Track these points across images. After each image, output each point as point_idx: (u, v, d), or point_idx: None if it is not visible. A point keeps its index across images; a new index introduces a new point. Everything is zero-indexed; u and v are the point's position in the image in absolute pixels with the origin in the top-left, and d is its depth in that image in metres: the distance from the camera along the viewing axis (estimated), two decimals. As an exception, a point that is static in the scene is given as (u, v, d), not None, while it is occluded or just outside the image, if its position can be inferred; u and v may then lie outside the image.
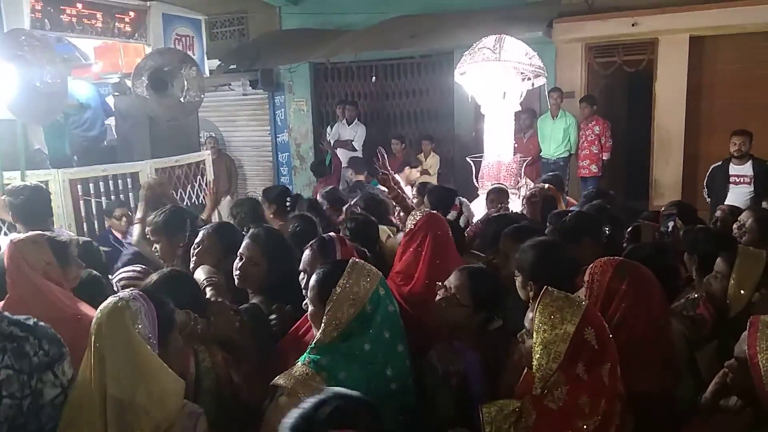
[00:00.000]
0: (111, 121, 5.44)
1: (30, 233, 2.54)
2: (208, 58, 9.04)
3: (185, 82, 4.72)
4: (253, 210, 3.79)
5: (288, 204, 4.04)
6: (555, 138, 7.98)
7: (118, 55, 5.34)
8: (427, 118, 9.44)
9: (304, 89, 9.62)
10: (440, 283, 2.31)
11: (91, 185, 4.64)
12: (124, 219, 4.38)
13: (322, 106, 9.79)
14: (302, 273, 2.41)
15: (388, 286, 1.95)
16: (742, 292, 2.35)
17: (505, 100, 5.50)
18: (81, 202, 4.45)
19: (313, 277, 1.96)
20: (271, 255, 2.57)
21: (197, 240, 2.85)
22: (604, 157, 7.83)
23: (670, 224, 3.46)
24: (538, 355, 1.69)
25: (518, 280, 2.40)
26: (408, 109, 9.57)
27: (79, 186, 4.46)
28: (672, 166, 7.93)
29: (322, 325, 1.83)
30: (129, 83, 4.75)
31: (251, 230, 2.72)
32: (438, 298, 2.27)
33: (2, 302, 2.30)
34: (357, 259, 1.98)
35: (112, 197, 4.63)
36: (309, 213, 3.59)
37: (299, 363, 1.82)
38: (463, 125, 9.08)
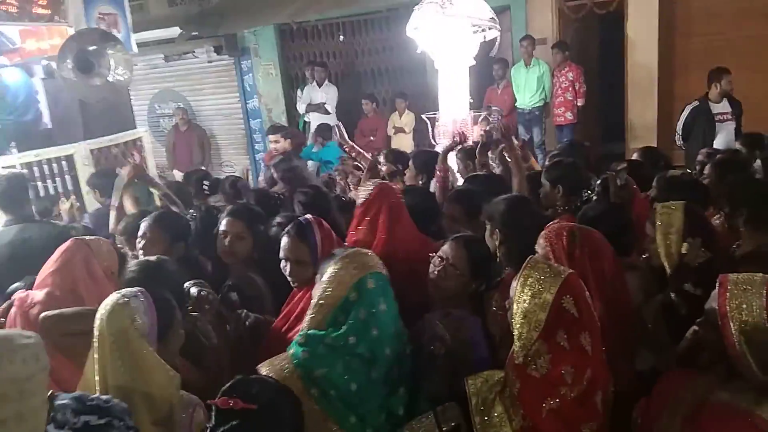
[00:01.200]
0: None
1: (100, 239, 2.52)
2: (168, 26, 8.87)
3: (112, 61, 4.59)
4: (179, 191, 3.73)
5: (206, 188, 3.99)
6: (529, 87, 7.86)
7: (43, 38, 5.18)
8: (400, 75, 9.21)
9: (271, 52, 9.37)
10: (433, 255, 2.33)
11: (25, 171, 4.53)
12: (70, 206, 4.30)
13: (291, 69, 9.53)
14: (283, 261, 2.42)
15: (384, 283, 1.91)
16: (670, 248, 2.33)
17: (458, 55, 5.30)
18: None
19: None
20: (254, 229, 2.72)
21: (140, 233, 2.84)
22: (578, 104, 7.72)
23: (622, 178, 3.42)
24: (518, 325, 1.71)
25: (487, 229, 2.55)
26: (379, 65, 9.33)
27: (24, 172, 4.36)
28: (647, 107, 7.81)
29: (311, 304, 1.87)
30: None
31: (229, 207, 2.87)
32: (434, 268, 2.28)
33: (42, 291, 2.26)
34: (360, 249, 2.00)
35: (48, 181, 4.57)
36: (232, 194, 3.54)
37: (286, 353, 1.84)
38: (436, 80, 8.83)
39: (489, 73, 8.16)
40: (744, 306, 1.59)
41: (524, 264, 1.80)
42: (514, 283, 1.80)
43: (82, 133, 4.91)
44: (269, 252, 2.61)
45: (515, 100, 7.95)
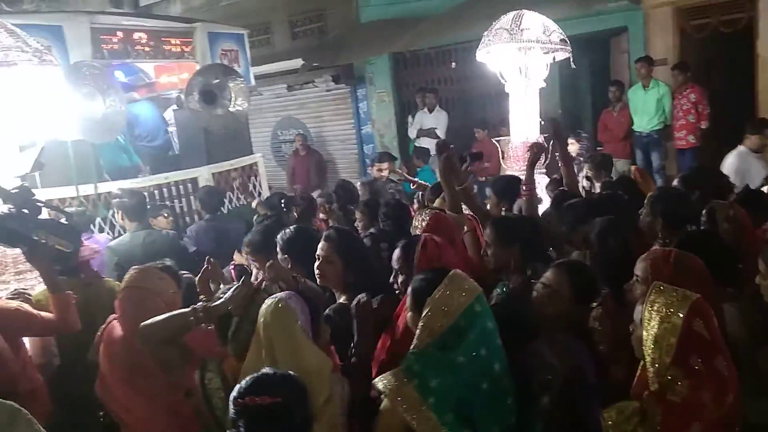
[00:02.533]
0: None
1: (142, 271, 2.66)
2: (291, 58, 9.49)
3: (232, 93, 5.04)
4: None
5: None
6: (647, 110, 7.54)
7: (175, 73, 5.78)
8: (509, 100, 9.13)
9: (385, 80, 9.70)
10: (535, 281, 2.36)
11: (156, 192, 5.12)
12: (170, 218, 4.83)
13: (404, 96, 9.81)
14: (394, 271, 2.59)
15: (485, 303, 1.97)
16: None
17: (529, 78, 5.19)
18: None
19: (411, 284, 2.11)
20: (344, 253, 2.75)
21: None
22: (702, 126, 7.25)
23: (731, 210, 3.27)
24: (650, 350, 1.71)
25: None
26: (490, 90, 9.29)
27: (146, 193, 4.93)
28: (782, 131, 7.14)
29: (417, 330, 1.92)
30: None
31: (326, 232, 2.95)
32: (537, 294, 2.30)
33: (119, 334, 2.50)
34: (458, 272, 2.03)
35: (175, 201, 5.11)
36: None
37: (398, 367, 1.92)
38: (548, 102, 8.73)
39: (605, 95, 7.95)
40: None
41: (650, 289, 1.80)
42: (638, 308, 1.81)
43: (206, 158, 5.42)
44: (366, 276, 2.70)
45: (632, 123, 7.65)
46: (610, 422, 1.71)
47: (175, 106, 5.74)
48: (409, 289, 2.08)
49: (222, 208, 4.88)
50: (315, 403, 1.82)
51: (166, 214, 4.76)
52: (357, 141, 10.22)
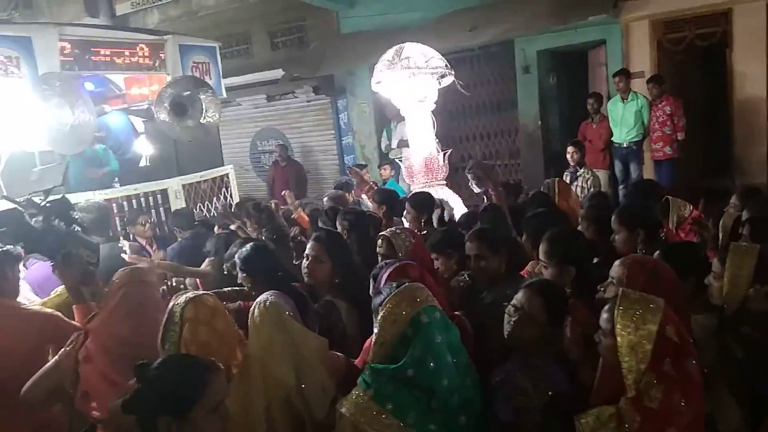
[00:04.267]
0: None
1: (134, 269, 2.69)
2: (270, 69, 9.47)
3: (203, 105, 5.00)
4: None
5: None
6: (627, 122, 7.59)
7: (145, 84, 5.73)
8: (491, 110, 9.21)
9: (366, 91, 9.65)
10: (507, 304, 2.28)
11: (125, 203, 5.07)
12: (147, 225, 4.81)
13: (384, 107, 9.79)
14: None
15: (435, 316, 1.94)
16: (736, 290, 2.27)
17: (420, 102, 5.72)
18: (116, 218, 4.92)
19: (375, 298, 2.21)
20: (333, 253, 2.86)
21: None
22: (678, 137, 7.28)
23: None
24: (626, 358, 1.73)
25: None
26: (471, 102, 9.35)
27: (114, 204, 4.89)
28: (756, 142, 7.31)
29: (373, 340, 1.99)
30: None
31: (315, 233, 3.08)
32: (509, 319, 2.20)
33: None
34: (411, 285, 2.05)
35: (144, 212, 5.10)
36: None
37: (356, 390, 1.93)
38: (528, 114, 8.78)
39: (584, 107, 7.99)
40: None
41: (618, 297, 1.81)
42: (604, 314, 1.81)
43: (176, 169, 5.39)
44: (352, 277, 2.81)
45: (611, 135, 7.69)
46: (587, 428, 1.71)
47: (144, 118, 5.71)
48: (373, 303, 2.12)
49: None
50: (314, 370, 2.11)
51: (143, 222, 4.76)
52: (338, 152, 10.19)
